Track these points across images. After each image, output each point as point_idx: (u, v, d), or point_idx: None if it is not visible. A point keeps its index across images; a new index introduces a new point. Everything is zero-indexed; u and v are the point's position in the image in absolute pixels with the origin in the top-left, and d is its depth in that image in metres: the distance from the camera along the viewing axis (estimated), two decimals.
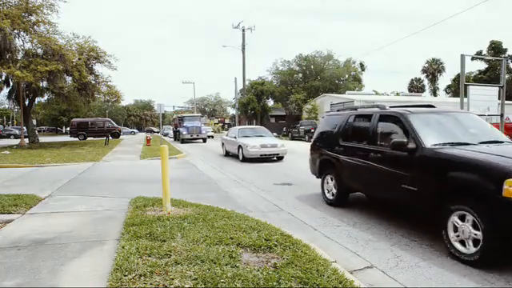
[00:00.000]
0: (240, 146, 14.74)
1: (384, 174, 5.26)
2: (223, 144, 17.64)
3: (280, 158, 14.97)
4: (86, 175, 11.03)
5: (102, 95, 25.74)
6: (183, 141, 29.04)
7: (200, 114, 38.76)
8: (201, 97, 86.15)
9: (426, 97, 50.84)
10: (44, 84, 23.99)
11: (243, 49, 40.91)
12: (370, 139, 5.75)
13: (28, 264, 3.65)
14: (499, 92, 15.46)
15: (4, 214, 5.67)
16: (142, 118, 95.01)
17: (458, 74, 31.04)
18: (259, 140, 14.84)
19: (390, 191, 5.30)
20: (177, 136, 32.58)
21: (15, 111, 61.93)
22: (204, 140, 30.17)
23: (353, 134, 6.33)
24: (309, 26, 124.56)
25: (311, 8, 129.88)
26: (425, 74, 64.91)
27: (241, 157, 14.63)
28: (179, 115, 32.86)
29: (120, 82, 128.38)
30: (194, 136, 29.27)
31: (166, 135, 48.80)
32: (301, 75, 53.83)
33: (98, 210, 6.09)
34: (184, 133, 28.97)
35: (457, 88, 48.06)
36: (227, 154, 17.15)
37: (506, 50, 50.97)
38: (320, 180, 7.26)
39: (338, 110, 7.72)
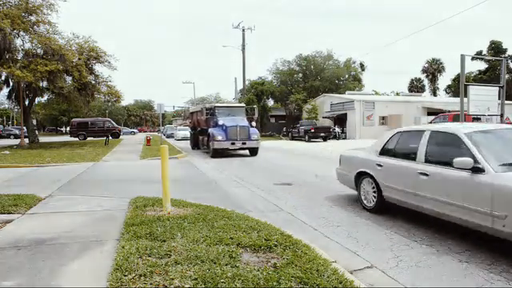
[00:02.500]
0: None
1: None
2: (376, 181, 6.04)
3: None
4: (85, 175, 11.03)
5: (101, 95, 25.81)
6: (216, 152, 16.82)
7: (243, 105, 21.69)
8: (201, 97, 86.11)
9: (425, 97, 50.87)
10: (44, 84, 24.04)
11: (243, 49, 40.91)
12: None
13: (28, 264, 3.65)
14: (499, 92, 15.46)
15: (4, 213, 5.66)
16: (142, 118, 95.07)
17: (458, 74, 31.10)
18: None
19: None
20: (199, 142, 20.51)
21: (15, 111, 61.94)
22: (253, 151, 17.43)
23: None
24: (309, 26, 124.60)
25: (311, 8, 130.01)
26: (425, 74, 64.97)
27: None
28: (208, 106, 19.41)
29: (120, 82, 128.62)
30: (238, 144, 16.66)
31: (169, 137, 43.80)
32: (301, 75, 53.85)
33: (97, 209, 6.09)
34: (219, 138, 16.49)
35: (457, 88, 48.06)
36: (384, 207, 6.02)
37: (506, 50, 51.03)
38: None
39: None
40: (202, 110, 19.18)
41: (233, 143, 16.59)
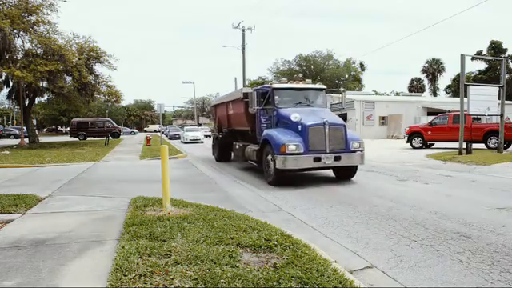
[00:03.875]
0: None
1: None
2: None
3: None
4: (86, 175, 11.03)
5: (101, 95, 25.77)
6: (281, 175, 8.80)
7: (323, 86, 11.06)
8: (201, 97, 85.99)
9: (425, 97, 50.88)
10: (44, 84, 24.02)
11: (243, 49, 40.91)
12: None
13: (28, 264, 3.65)
14: (499, 92, 15.48)
15: (4, 213, 5.66)
16: (142, 118, 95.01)
17: (458, 74, 31.07)
18: None
19: None
20: (235, 151, 12.59)
21: (15, 111, 61.94)
22: (349, 172, 9.65)
23: None
24: (309, 26, 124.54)
25: (311, 8, 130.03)
26: (425, 74, 65.01)
27: None
28: (257, 88, 10.98)
29: (120, 82, 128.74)
30: (327, 161, 8.60)
31: (173, 139, 38.81)
32: (301, 75, 53.87)
33: (97, 209, 6.09)
34: (291, 147, 8.39)
35: (457, 88, 48.07)
36: None
37: (506, 50, 51.08)
38: None
39: None
40: (251, 95, 10.16)
41: (317, 158, 8.62)
